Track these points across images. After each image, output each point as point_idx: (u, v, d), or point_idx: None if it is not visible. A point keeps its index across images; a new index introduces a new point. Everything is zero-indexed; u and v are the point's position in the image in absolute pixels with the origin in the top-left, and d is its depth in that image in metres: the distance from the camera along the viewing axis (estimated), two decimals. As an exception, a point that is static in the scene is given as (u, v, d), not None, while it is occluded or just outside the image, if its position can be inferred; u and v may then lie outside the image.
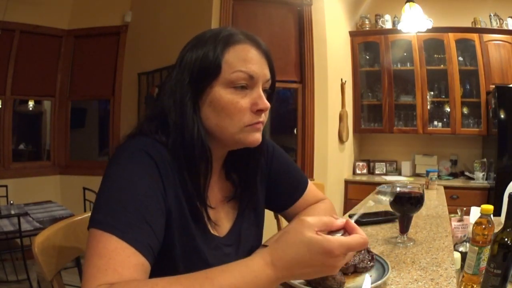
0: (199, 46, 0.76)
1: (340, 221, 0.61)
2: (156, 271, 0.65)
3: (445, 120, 3.88)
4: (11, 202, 3.25)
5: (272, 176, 0.96)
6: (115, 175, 0.68)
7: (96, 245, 0.61)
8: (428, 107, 3.88)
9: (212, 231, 0.81)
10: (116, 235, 0.61)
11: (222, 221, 0.85)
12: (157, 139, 0.74)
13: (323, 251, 0.56)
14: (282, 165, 0.98)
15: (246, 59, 0.75)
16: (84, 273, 0.59)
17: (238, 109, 0.74)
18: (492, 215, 0.95)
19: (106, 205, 0.65)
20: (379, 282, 0.78)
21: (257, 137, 0.78)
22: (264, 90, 0.79)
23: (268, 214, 1.04)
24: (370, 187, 2.83)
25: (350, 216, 0.65)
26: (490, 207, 0.94)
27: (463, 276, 0.97)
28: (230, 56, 0.74)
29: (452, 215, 1.45)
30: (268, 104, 0.76)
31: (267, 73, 0.78)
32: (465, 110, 3.83)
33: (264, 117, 0.78)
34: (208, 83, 0.74)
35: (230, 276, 0.56)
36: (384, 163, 4.18)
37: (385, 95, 3.96)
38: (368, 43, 4.07)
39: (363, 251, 0.87)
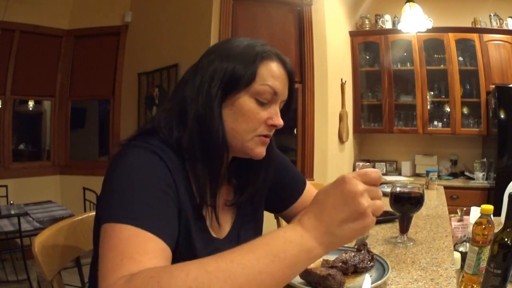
0: (232, 55, 0.78)
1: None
2: None
3: (445, 120, 3.88)
4: (11, 202, 3.25)
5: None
6: (124, 172, 0.66)
7: (109, 239, 0.57)
8: (428, 107, 3.88)
9: (212, 233, 0.82)
10: (129, 224, 0.58)
11: (222, 224, 0.85)
12: (164, 141, 0.74)
13: (338, 180, 0.56)
14: (280, 167, 0.99)
15: (274, 76, 0.79)
16: (100, 270, 0.55)
17: (257, 119, 0.79)
18: (492, 215, 0.95)
19: (116, 200, 0.63)
20: (379, 282, 0.78)
21: (263, 151, 0.82)
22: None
23: (268, 215, 1.04)
24: (370, 187, 2.82)
25: None
26: (490, 207, 0.94)
27: (463, 276, 0.97)
28: (262, 69, 0.78)
29: (452, 215, 1.45)
30: (282, 122, 0.81)
31: (286, 93, 0.83)
32: (465, 110, 3.83)
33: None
34: (238, 90, 0.77)
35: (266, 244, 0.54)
36: (384, 163, 4.17)
37: (385, 95, 3.96)
38: (368, 43, 4.07)
39: (363, 251, 0.87)
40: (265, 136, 0.81)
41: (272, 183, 0.96)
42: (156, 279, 0.48)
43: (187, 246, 0.74)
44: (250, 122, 0.78)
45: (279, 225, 1.51)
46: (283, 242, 0.54)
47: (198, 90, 0.77)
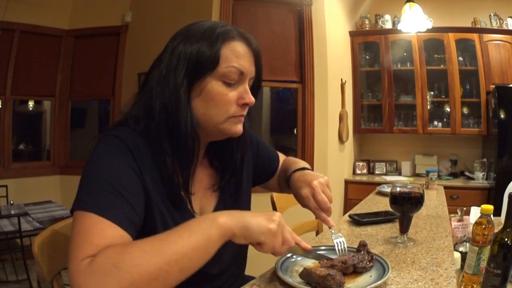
0: (194, 39, 0.78)
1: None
2: None
3: (445, 120, 3.88)
4: (11, 202, 3.24)
5: (257, 162, 1.06)
6: (92, 161, 0.72)
7: (76, 225, 0.65)
8: (428, 107, 3.88)
9: (194, 213, 0.83)
10: (93, 212, 0.64)
11: (205, 205, 0.88)
12: (134, 129, 0.77)
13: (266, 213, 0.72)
14: (256, 149, 1.05)
15: (239, 56, 0.79)
16: (68, 253, 0.62)
17: (227, 101, 0.79)
18: (492, 215, 0.95)
19: (84, 187, 0.68)
20: (379, 282, 0.78)
21: (240, 128, 0.84)
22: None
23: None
24: (370, 187, 2.83)
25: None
26: (490, 207, 0.94)
27: (463, 276, 0.97)
28: (226, 51, 0.78)
29: (452, 215, 1.45)
30: (253, 99, 0.83)
31: (253, 70, 0.84)
32: (465, 110, 3.83)
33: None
34: (203, 75, 0.77)
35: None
36: (384, 163, 4.17)
37: (385, 95, 3.96)
38: (368, 43, 4.07)
39: (362, 251, 0.87)
40: (240, 115, 0.82)
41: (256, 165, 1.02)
42: (111, 260, 0.58)
43: (163, 224, 0.76)
44: (221, 105, 0.79)
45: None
46: (199, 220, 0.67)
47: (164, 81, 0.77)
